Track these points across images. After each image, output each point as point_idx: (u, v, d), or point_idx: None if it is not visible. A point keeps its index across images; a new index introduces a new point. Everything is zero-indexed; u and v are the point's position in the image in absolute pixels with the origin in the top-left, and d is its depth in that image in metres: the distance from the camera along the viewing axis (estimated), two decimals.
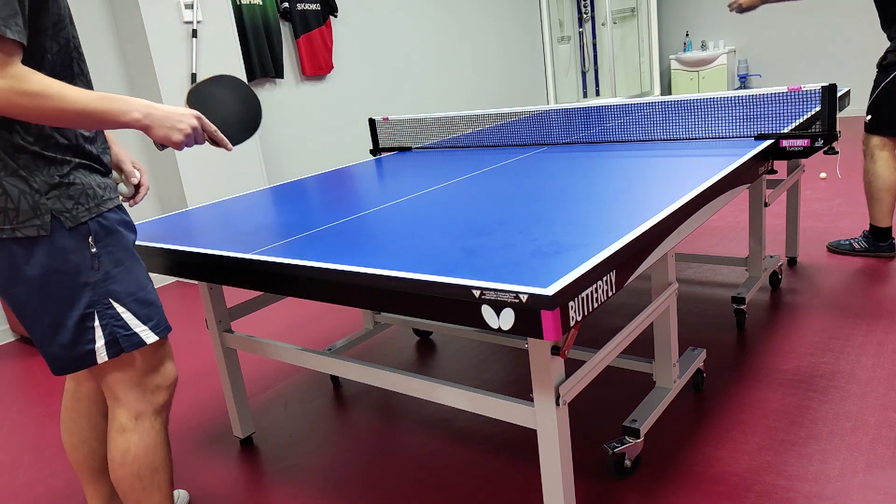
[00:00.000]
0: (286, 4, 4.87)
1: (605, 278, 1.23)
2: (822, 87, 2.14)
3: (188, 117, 1.42)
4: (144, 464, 1.45)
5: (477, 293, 1.16)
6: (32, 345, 3.49)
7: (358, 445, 2.13)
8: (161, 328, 1.44)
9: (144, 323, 1.40)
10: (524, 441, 2.03)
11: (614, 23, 7.56)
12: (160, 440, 1.48)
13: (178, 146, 1.41)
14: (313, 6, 5.03)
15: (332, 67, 5.27)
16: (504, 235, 1.46)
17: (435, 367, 2.61)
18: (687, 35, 7.84)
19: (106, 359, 1.36)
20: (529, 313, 1.11)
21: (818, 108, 2.47)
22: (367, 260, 1.41)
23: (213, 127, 1.49)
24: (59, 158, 1.27)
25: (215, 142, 1.52)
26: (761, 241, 2.65)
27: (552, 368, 1.34)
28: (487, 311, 1.16)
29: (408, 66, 5.99)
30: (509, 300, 1.12)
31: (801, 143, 2.11)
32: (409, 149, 3.06)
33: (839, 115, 7.08)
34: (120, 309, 1.36)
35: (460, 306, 1.19)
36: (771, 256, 2.86)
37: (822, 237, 3.46)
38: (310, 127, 5.20)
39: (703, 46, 7.67)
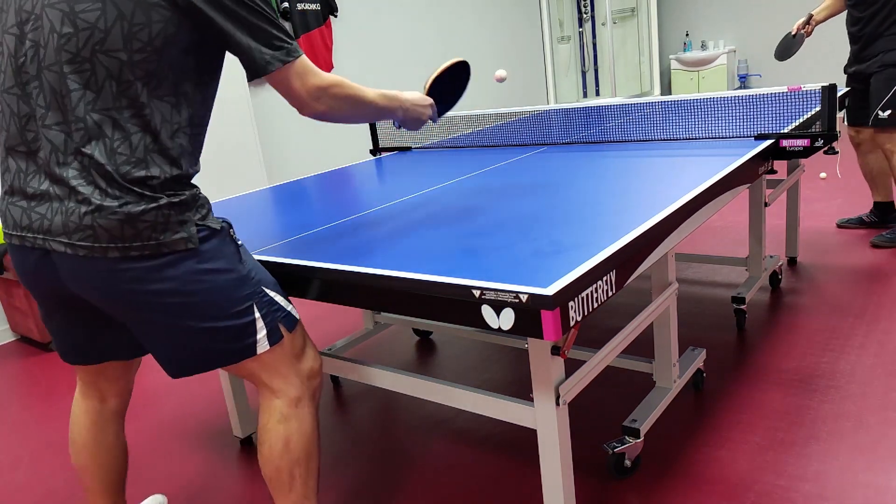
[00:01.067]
0: (286, 4, 4.87)
1: (605, 278, 1.23)
2: (822, 87, 2.14)
3: (427, 108, 1.65)
4: (304, 451, 1.44)
5: (477, 293, 1.16)
6: (32, 344, 3.49)
7: (358, 445, 2.13)
8: (292, 305, 1.45)
9: (289, 302, 1.43)
10: (524, 441, 2.03)
11: (614, 23, 7.56)
12: (316, 424, 1.47)
13: (413, 130, 1.67)
14: (313, 6, 5.03)
15: (332, 67, 5.27)
16: (504, 235, 1.46)
17: (435, 367, 2.61)
18: (687, 35, 7.83)
19: (267, 347, 1.36)
20: (529, 313, 1.11)
21: (818, 108, 2.47)
22: (367, 260, 1.41)
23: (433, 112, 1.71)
24: (190, 183, 1.31)
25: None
26: (761, 241, 2.65)
27: (552, 368, 1.34)
28: (487, 311, 1.16)
29: (407, 66, 5.99)
30: (509, 300, 1.12)
31: (801, 143, 2.11)
32: (409, 149, 3.06)
33: (839, 114, 7.07)
34: (271, 293, 1.38)
35: (460, 306, 1.19)
36: (771, 256, 2.86)
37: (822, 237, 3.46)
38: (310, 127, 5.20)
39: (703, 46, 7.67)
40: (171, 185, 1.24)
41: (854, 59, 3.20)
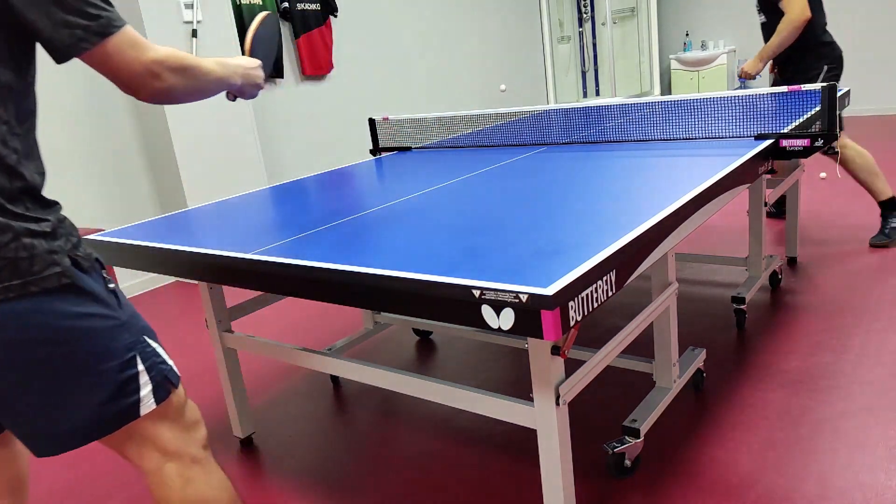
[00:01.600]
0: (286, 4, 4.87)
1: (605, 278, 1.23)
2: (822, 87, 2.14)
3: (259, 70, 1.49)
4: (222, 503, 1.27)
5: (477, 293, 1.16)
6: None
7: (358, 445, 2.13)
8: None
9: (169, 356, 1.23)
10: (524, 441, 2.03)
11: (614, 23, 7.56)
12: (219, 472, 1.29)
13: (251, 97, 1.51)
14: (313, 6, 5.03)
15: (332, 67, 5.27)
16: (504, 235, 1.46)
17: (435, 367, 2.61)
18: (687, 35, 7.83)
19: (153, 406, 1.15)
20: (529, 313, 1.11)
21: (818, 108, 2.47)
22: (367, 260, 1.41)
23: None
24: (49, 200, 1.09)
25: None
26: (761, 241, 2.65)
27: (552, 368, 1.34)
28: (487, 311, 1.16)
29: (408, 66, 5.99)
30: (509, 300, 1.12)
31: (801, 142, 2.11)
32: (409, 149, 3.06)
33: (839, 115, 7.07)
34: (154, 344, 1.18)
35: (460, 306, 1.19)
36: (771, 256, 2.86)
37: (822, 237, 3.46)
38: (310, 127, 5.20)
39: (703, 46, 7.67)
40: (26, 208, 1.02)
41: (779, 75, 3.54)
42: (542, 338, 1.11)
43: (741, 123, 2.44)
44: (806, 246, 3.36)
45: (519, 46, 7.31)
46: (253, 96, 1.50)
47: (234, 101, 1.54)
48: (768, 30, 3.37)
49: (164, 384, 1.17)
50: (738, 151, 2.01)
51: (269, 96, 4.89)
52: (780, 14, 3.21)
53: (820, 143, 2.11)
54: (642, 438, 1.79)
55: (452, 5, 6.41)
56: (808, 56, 3.30)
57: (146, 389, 1.14)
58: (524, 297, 1.10)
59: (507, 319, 1.14)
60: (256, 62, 1.49)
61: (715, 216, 4.08)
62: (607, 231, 1.39)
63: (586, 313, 1.19)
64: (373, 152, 3.14)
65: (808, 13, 3.14)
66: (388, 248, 1.48)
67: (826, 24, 3.35)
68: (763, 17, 3.39)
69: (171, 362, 1.21)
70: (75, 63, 3.81)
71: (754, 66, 3.35)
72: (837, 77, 3.35)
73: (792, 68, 3.36)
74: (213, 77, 1.26)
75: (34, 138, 1.09)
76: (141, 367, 1.13)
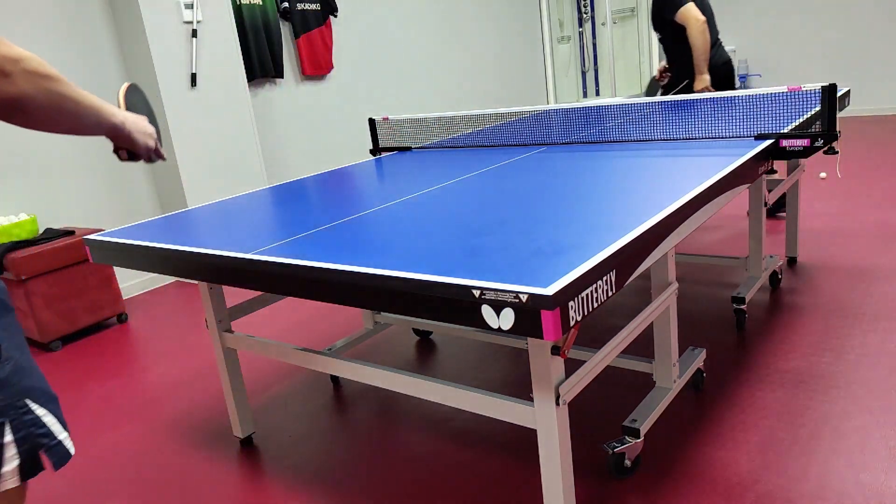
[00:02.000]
0: (286, 4, 4.87)
1: (605, 278, 1.23)
2: (822, 87, 2.13)
3: (145, 120, 1.32)
4: None
5: (477, 293, 1.16)
6: (33, 344, 3.48)
7: (358, 445, 2.13)
8: (67, 434, 1.03)
9: (65, 429, 1.01)
10: (524, 441, 2.03)
11: (614, 23, 7.56)
12: None
13: (147, 154, 1.31)
14: (313, 6, 5.03)
15: (332, 67, 5.27)
16: (504, 235, 1.46)
17: (435, 367, 2.61)
18: None
19: (15, 483, 0.94)
20: (529, 313, 1.11)
21: (818, 108, 2.47)
22: (367, 260, 1.41)
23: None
24: None
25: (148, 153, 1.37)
26: (761, 241, 2.65)
27: (552, 368, 1.34)
28: (487, 311, 1.16)
29: (408, 66, 5.99)
30: (509, 300, 1.12)
31: (801, 142, 2.11)
32: (409, 149, 3.06)
33: (839, 114, 7.09)
34: (40, 411, 0.97)
35: (460, 306, 1.19)
36: (771, 256, 2.86)
37: (822, 237, 3.46)
38: (310, 127, 5.20)
39: None
40: None
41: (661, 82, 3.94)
42: (542, 338, 1.11)
43: (741, 123, 2.44)
44: (806, 246, 3.36)
45: (519, 46, 7.31)
46: (149, 151, 1.31)
47: (126, 160, 1.32)
48: (665, 44, 3.71)
49: (38, 459, 0.96)
50: (738, 151, 2.01)
51: (269, 96, 4.89)
52: (674, 29, 3.55)
53: (820, 143, 2.11)
54: (642, 438, 1.79)
55: (453, 5, 6.41)
56: (680, 67, 3.63)
57: (10, 466, 0.93)
58: (524, 297, 1.10)
59: (506, 319, 1.14)
60: (142, 116, 1.33)
61: (715, 216, 4.08)
62: (607, 231, 1.39)
63: (586, 313, 1.19)
64: (373, 152, 3.14)
65: (701, 16, 3.47)
66: (388, 248, 1.49)
67: (715, 38, 3.61)
68: (659, 34, 3.72)
69: (61, 435, 0.99)
70: (74, 63, 3.81)
71: (700, 83, 3.55)
72: (723, 81, 3.64)
73: (675, 73, 3.72)
74: (83, 102, 1.05)
75: None
76: (9, 437, 0.93)
